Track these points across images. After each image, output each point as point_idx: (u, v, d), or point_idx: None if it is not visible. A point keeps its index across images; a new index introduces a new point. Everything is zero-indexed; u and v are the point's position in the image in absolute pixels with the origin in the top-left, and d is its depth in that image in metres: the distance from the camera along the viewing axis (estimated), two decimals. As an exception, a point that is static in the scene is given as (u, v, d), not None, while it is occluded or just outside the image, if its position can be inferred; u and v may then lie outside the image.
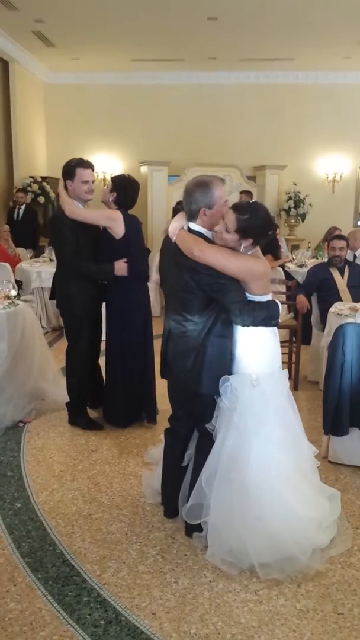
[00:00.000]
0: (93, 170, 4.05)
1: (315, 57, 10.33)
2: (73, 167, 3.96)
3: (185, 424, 3.00)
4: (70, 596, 2.47)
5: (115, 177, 4.18)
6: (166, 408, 4.44)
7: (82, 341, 4.18)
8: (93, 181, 4.05)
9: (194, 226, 2.75)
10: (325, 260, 5.88)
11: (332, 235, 6.00)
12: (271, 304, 2.71)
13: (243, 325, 2.70)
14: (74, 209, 3.92)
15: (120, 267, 3.96)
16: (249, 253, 2.70)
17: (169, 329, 2.86)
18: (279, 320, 2.79)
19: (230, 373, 2.74)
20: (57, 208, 4.07)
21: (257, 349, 2.75)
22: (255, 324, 2.69)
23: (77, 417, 4.30)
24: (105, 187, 4.14)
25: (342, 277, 5.36)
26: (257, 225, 2.63)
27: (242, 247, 2.67)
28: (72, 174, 3.96)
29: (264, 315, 2.67)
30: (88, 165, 4.00)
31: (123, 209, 4.03)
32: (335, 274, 5.37)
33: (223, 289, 2.65)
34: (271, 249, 6.07)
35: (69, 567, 2.67)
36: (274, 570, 2.59)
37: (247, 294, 2.68)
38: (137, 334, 4.15)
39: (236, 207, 2.65)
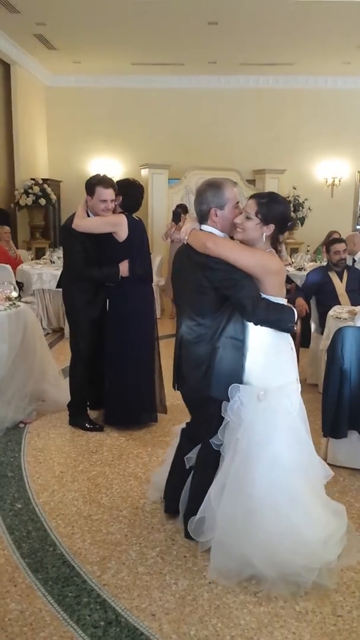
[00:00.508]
0: (115, 189, 4.01)
1: (315, 62, 10.37)
2: (94, 185, 3.99)
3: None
4: (70, 597, 2.47)
5: (119, 181, 4.23)
6: (173, 403, 4.47)
7: (84, 342, 4.21)
8: (112, 200, 4.00)
9: (205, 227, 2.72)
10: (324, 264, 5.91)
11: (331, 239, 6.02)
12: (286, 308, 2.63)
13: (256, 323, 2.61)
14: (79, 223, 3.99)
15: (126, 267, 4.06)
16: (267, 250, 2.64)
17: (181, 336, 2.79)
18: (292, 327, 2.65)
19: (241, 380, 2.67)
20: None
21: (267, 359, 2.67)
22: (269, 324, 2.61)
23: (78, 418, 4.31)
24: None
25: (341, 281, 5.39)
26: (277, 210, 2.61)
27: (263, 235, 2.60)
28: (92, 191, 4.00)
29: (277, 316, 2.59)
30: (108, 185, 3.99)
31: (128, 212, 4.10)
32: (334, 278, 5.40)
33: (236, 285, 2.57)
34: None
35: (69, 568, 2.68)
36: (280, 589, 2.52)
37: (262, 294, 2.61)
38: (139, 336, 4.18)
39: (255, 195, 2.69)
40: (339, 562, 2.68)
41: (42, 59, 10.44)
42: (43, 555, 2.76)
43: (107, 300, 4.20)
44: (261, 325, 2.63)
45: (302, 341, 5.40)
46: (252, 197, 2.68)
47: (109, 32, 8.81)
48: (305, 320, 5.42)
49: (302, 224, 11.20)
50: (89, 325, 4.18)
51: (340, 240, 5.72)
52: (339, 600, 2.47)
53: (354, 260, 6.72)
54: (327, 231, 9.28)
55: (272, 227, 2.61)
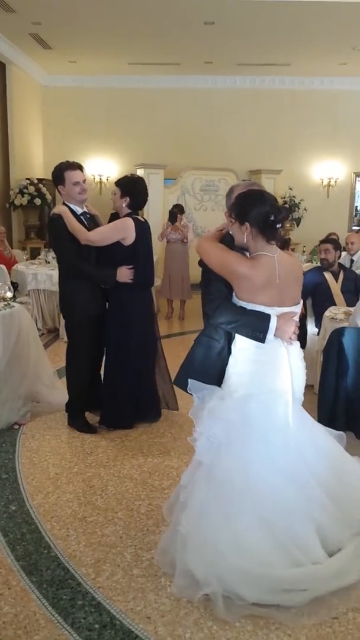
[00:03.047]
0: (82, 170, 4.00)
1: (311, 63, 10.38)
2: (61, 172, 3.94)
3: None
4: (65, 600, 2.46)
5: (120, 180, 4.08)
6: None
7: (82, 344, 4.16)
8: (84, 181, 4.00)
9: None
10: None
11: (323, 240, 5.97)
12: (253, 314, 2.51)
13: (212, 322, 2.61)
14: (89, 237, 3.87)
15: (124, 273, 3.94)
16: (258, 253, 2.55)
17: None
18: (264, 337, 2.51)
19: (210, 379, 2.65)
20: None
21: (242, 366, 2.61)
22: (227, 327, 2.58)
23: (74, 418, 4.29)
24: (112, 194, 4.07)
25: (336, 281, 5.38)
26: (246, 208, 2.51)
27: (244, 236, 2.55)
28: (62, 179, 3.95)
29: (235, 318, 2.52)
30: (76, 167, 3.97)
31: (135, 211, 4.02)
32: (330, 279, 5.39)
33: (207, 284, 2.64)
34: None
35: (64, 570, 2.66)
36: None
37: (235, 298, 2.58)
38: (137, 342, 4.11)
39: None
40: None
41: (37, 59, 10.43)
42: (37, 558, 2.74)
43: (107, 301, 4.14)
44: (225, 329, 2.61)
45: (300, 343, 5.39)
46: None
47: (104, 31, 8.80)
48: (301, 321, 5.41)
49: (298, 225, 11.22)
50: (87, 322, 4.09)
51: (328, 240, 5.66)
52: (334, 603, 2.46)
53: (352, 260, 6.72)
54: (323, 232, 9.27)
55: (246, 225, 2.52)
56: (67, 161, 4.03)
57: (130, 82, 11.42)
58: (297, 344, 2.69)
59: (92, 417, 4.36)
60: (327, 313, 4.69)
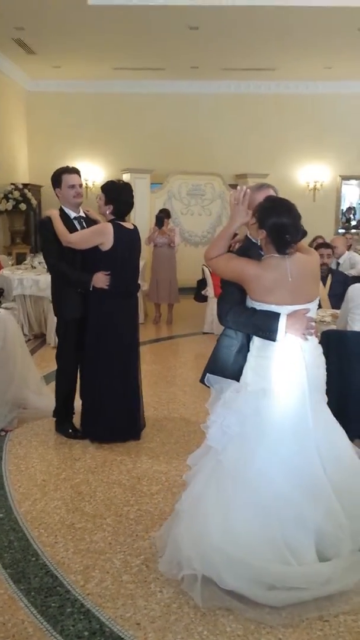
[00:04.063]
0: (79, 175, 4.12)
1: (296, 67, 10.44)
2: (59, 175, 4.05)
3: None
4: (54, 607, 2.43)
5: (104, 186, 4.04)
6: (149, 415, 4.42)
7: (67, 344, 4.15)
8: (80, 185, 4.11)
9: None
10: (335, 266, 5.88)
11: (318, 243, 5.98)
12: (261, 313, 2.61)
13: (223, 324, 2.77)
14: (68, 239, 3.91)
15: (100, 279, 3.90)
16: (268, 256, 2.63)
17: None
18: (274, 335, 2.58)
19: (228, 372, 2.75)
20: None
21: (252, 362, 2.69)
22: (237, 328, 2.72)
23: (61, 424, 4.26)
24: (98, 198, 4.05)
25: (324, 285, 5.39)
26: (269, 219, 2.56)
27: (259, 238, 2.66)
28: (59, 182, 4.04)
29: (246, 321, 2.65)
30: (73, 171, 4.09)
31: (120, 217, 4.00)
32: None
33: (222, 288, 2.82)
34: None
35: (52, 577, 2.63)
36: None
37: (248, 300, 2.67)
38: (113, 351, 4.00)
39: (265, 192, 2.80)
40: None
41: (21, 64, 10.39)
42: (25, 566, 2.71)
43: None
44: (237, 330, 2.74)
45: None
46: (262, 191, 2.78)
47: (89, 37, 8.79)
48: None
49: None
50: (72, 323, 4.07)
51: (327, 245, 5.65)
52: (325, 606, 2.45)
53: (338, 264, 6.75)
54: (309, 235, 9.26)
55: (263, 232, 2.60)
56: (66, 166, 4.15)
57: (116, 87, 11.42)
58: (314, 340, 2.73)
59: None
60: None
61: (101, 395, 4.04)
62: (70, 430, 4.22)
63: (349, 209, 12.62)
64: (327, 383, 3.46)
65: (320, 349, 2.80)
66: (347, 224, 12.50)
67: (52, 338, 6.74)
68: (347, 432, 3.47)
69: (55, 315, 4.28)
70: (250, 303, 2.66)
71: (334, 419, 2.84)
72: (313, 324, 2.67)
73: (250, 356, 2.71)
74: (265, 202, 2.64)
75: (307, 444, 2.62)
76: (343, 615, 2.41)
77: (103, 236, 3.89)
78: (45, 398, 4.65)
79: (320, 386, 2.78)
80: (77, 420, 4.28)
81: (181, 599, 2.49)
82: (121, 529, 3.03)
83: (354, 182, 12.41)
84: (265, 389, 2.63)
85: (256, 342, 2.68)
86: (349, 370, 3.78)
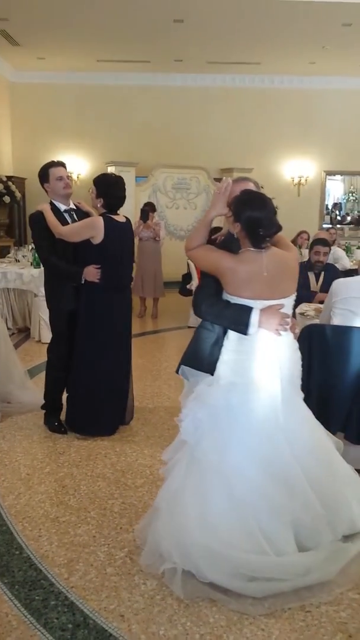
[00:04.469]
0: (65, 167, 4.14)
1: (281, 62, 10.46)
2: (46, 169, 4.06)
3: None
4: (38, 600, 2.43)
5: (96, 180, 4.02)
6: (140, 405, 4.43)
7: (59, 337, 4.14)
8: (68, 177, 4.14)
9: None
10: (305, 260, 5.86)
11: (317, 238, 5.89)
12: (235, 307, 2.61)
13: (197, 314, 2.77)
14: (60, 231, 3.91)
15: (91, 272, 3.90)
16: (244, 250, 2.63)
17: None
18: (246, 329, 2.59)
19: (203, 365, 2.74)
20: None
21: (227, 356, 2.69)
22: (211, 320, 2.71)
23: (48, 417, 4.26)
24: (90, 192, 4.04)
25: (317, 282, 5.39)
26: (244, 212, 2.57)
27: (235, 231, 2.66)
28: (46, 176, 4.05)
29: (219, 313, 2.64)
30: (59, 164, 4.10)
31: (112, 211, 3.99)
32: (311, 279, 5.38)
33: (201, 280, 2.81)
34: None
35: (36, 571, 2.63)
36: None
37: (224, 293, 2.67)
38: (102, 343, 4.01)
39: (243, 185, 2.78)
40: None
41: (5, 55, 10.30)
42: (9, 559, 2.71)
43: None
44: (210, 321, 2.73)
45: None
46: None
47: (73, 28, 8.73)
48: None
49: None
50: (66, 319, 4.07)
51: (323, 242, 5.55)
52: (307, 596, 2.48)
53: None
54: (293, 230, 9.38)
55: (238, 225, 2.60)
56: (51, 160, 4.16)
57: (101, 79, 11.35)
58: (290, 335, 2.72)
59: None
60: (297, 310, 4.72)
61: (90, 389, 4.04)
62: (56, 424, 4.21)
63: (335, 204, 12.68)
64: (309, 377, 3.49)
65: (296, 345, 2.80)
66: (336, 219, 12.54)
67: (37, 332, 6.72)
68: (329, 425, 3.51)
69: (48, 307, 4.25)
70: (225, 296, 2.66)
71: (310, 413, 2.87)
72: (288, 319, 2.66)
73: (224, 349, 2.71)
74: (240, 196, 2.63)
75: (277, 438, 2.64)
76: (325, 606, 2.44)
77: (94, 229, 3.88)
78: (30, 392, 4.64)
79: (294, 382, 2.78)
80: (63, 414, 4.28)
81: (165, 590, 2.51)
82: (105, 522, 3.04)
83: (338, 177, 12.47)
84: (236, 382, 2.65)
85: (231, 335, 2.68)
86: (330, 364, 3.82)
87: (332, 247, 7.17)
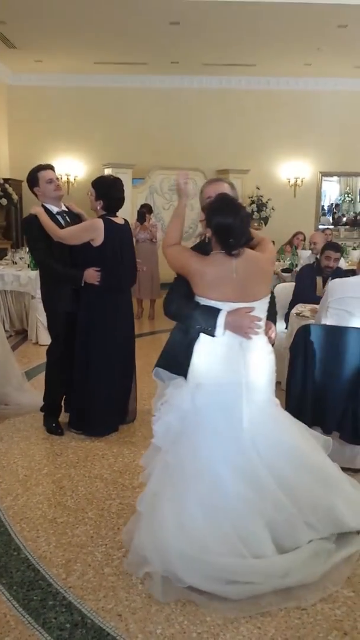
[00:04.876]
0: (54, 170, 4.14)
1: (276, 64, 10.50)
2: (34, 174, 4.06)
3: None
4: (36, 600, 2.45)
5: (95, 182, 4.06)
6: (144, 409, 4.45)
7: (57, 339, 4.16)
8: (58, 179, 4.14)
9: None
10: (312, 261, 5.82)
11: (329, 242, 5.79)
12: (203, 308, 2.60)
13: (165, 314, 2.78)
14: (59, 234, 3.90)
15: (91, 275, 3.92)
16: (215, 252, 2.62)
17: None
18: (212, 331, 2.59)
19: (176, 368, 2.75)
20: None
21: (196, 358, 2.69)
22: (179, 321, 2.77)
23: (46, 418, 4.27)
24: (89, 194, 4.05)
25: (323, 287, 5.37)
26: (214, 219, 2.57)
27: (207, 235, 2.66)
28: (35, 180, 4.05)
29: (187, 314, 2.64)
30: (47, 167, 4.11)
31: (112, 212, 4.00)
32: (319, 283, 5.35)
33: (174, 280, 2.80)
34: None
35: (34, 571, 2.65)
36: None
37: (197, 295, 2.66)
38: (103, 344, 4.02)
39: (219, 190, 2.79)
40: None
41: (2, 58, 10.32)
42: (7, 560, 2.73)
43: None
44: (178, 322, 2.78)
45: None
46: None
47: (70, 31, 8.75)
48: None
49: (265, 224, 11.33)
50: (63, 320, 4.08)
51: (335, 247, 5.45)
52: (302, 594, 2.50)
53: (317, 259, 6.77)
54: (290, 231, 9.42)
55: (209, 230, 2.61)
56: (39, 164, 4.15)
57: (98, 82, 11.37)
58: (262, 339, 2.71)
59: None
60: (294, 310, 4.74)
61: (91, 391, 4.06)
62: (53, 425, 4.22)
63: (336, 205, 12.69)
64: (305, 377, 3.51)
65: (269, 348, 2.77)
66: (337, 219, 12.56)
67: (34, 334, 6.74)
68: (324, 425, 3.54)
69: (45, 310, 4.26)
70: (195, 297, 2.66)
71: (284, 414, 2.88)
72: (260, 322, 2.64)
73: (195, 352, 2.69)
74: (214, 202, 2.64)
75: (242, 441, 2.62)
76: (320, 604, 2.46)
77: (94, 232, 3.89)
78: (27, 394, 4.66)
79: (263, 387, 2.73)
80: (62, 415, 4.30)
81: (162, 590, 2.52)
82: (103, 523, 3.06)
83: (334, 178, 12.51)
84: (199, 384, 2.65)
85: (200, 337, 2.67)
86: (326, 364, 3.84)
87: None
